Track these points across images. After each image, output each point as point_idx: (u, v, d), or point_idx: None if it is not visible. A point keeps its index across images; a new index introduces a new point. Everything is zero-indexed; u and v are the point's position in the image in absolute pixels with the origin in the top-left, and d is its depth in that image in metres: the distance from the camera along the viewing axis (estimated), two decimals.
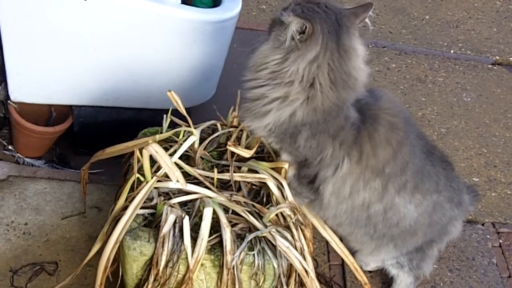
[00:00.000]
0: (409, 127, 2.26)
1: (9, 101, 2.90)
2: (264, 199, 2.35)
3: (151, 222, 2.24)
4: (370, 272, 2.76)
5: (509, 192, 3.27)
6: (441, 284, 2.79)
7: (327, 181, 2.22)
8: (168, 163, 2.18)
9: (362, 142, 2.15)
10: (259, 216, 2.27)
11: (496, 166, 3.41)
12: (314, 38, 2.00)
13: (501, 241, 3.03)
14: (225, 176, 2.34)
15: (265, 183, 2.34)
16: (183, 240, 2.14)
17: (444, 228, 2.47)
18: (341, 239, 2.44)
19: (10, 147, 3.08)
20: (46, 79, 2.83)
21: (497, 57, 4.19)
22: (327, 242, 2.77)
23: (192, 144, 2.38)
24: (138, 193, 2.19)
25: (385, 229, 2.33)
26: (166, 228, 2.13)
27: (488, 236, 3.02)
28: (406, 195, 2.27)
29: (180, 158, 2.30)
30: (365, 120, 2.16)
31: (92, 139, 2.85)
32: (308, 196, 2.31)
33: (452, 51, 4.19)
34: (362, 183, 2.20)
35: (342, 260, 2.72)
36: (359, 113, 2.17)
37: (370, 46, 4.07)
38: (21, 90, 2.86)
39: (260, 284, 2.23)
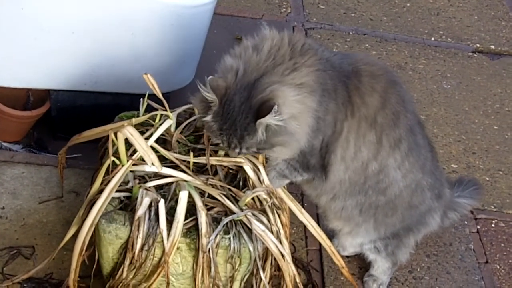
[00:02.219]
0: (390, 75, 2.27)
1: None
2: (241, 183, 2.35)
3: (127, 205, 2.24)
4: (347, 257, 2.77)
5: (487, 179, 3.29)
6: (418, 269, 2.80)
7: (336, 151, 2.22)
8: (143, 146, 2.18)
9: (352, 96, 2.16)
10: (235, 200, 2.27)
11: (475, 153, 3.43)
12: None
13: (478, 227, 3.05)
14: (202, 160, 2.34)
15: (241, 167, 2.34)
16: (158, 224, 2.14)
17: (423, 217, 2.48)
18: (318, 223, 2.45)
19: None
20: (24, 63, 2.82)
21: (478, 45, 4.20)
22: (305, 227, 2.78)
23: (169, 128, 2.38)
24: (113, 176, 2.18)
25: (374, 196, 2.34)
26: (141, 211, 2.13)
27: (465, 222, 3.04)
28: (399, 157, 2.27)
29: (156, 142, 2.29)
30: (349, 76, 2.17)
31: (70, 124, 2.84)
32: (301, 175, 2.31)
33: (432, 39, 4.20)
34: (362, 139, 2.20)
35: (320, 245, 2.74)
36: (341, 73, 2.18)
37: (350, 33, 4.08)
38: (0, 75, 2.85)
39: (236, 268, 2.24)
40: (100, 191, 2.18)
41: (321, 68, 2.11)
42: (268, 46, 2.10)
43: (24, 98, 3.01)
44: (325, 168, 2.26)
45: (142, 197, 2.15)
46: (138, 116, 2.43)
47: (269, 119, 2.00)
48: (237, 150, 2.13)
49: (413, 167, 2.33)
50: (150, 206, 2.16)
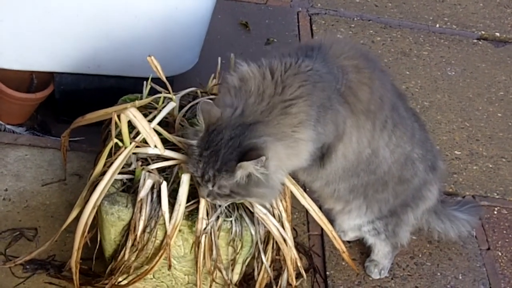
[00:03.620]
0: (370, 63, 2.28)
1: None
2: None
3: (129, 187, 2.26)
4: (349, 242, 2.79)
5: (490, 166, 3.30)
6: (420, 255, 2.82)
7: (337, 149, 2.23)
8: (146, 128, 2.19)
9: (345, 96, 2.16)
10: None
11: (478, 140, 3.44)
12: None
13: (481, 214, 3.06)
14: None
15: None
16: (160, 206, 2.16)
17: (418, 191, 2.49)
18: (320, 208, 2.46)
19: None
20: (28, 46, 2.83)
21: (483, 32, 4.19)
22: (306, 212, 2.80)
23: (172, 111, 2.39)
24: (116, 158, 2.19)
25: (366, 176, 2.36)
26: (144, 193, 2.14)
27: None
28: (386, 135, 2.29)
29: (159, 124, 2.30)
30: (338, 79, 2.16)
31: (74, 107, 2.84)
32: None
33: (437, 25, 4.19)
34: (362, 130, 2.22)
35: (322, 230, 2.76)
36: (330, 80, 2.16)
37: (355, 19, 4.08)
38: (2, 56, 2.86)
39: (238, 251, 2.25)
40: (103, 173, 2.20)
41: (310, 89, 2.09)
42: (255, 86, 2.08)
43: (28, 80, 3.01)
44: (323, 159, 2.27)
45: (144, 179, 2.16)
46: (141, 99, 2.43)
47: (251, 167, 1.99)
48: (209, 185, 2.07)
49: (401, 140, 2.35)
50: (152, 188, 2.17)
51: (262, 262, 2.31)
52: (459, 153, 3.34)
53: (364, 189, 2.42)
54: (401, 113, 2.35)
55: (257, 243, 2.26)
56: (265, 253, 2.30)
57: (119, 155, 2.20)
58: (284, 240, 2.28)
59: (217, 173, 2.04)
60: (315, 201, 2.44)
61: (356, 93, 2.18)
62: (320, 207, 2.46)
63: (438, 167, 2.54)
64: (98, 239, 2.32)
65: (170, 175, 2.25)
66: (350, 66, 2.19)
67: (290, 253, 2.32)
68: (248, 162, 1.97)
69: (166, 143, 2.28)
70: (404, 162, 2.39)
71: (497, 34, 4.20)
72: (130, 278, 2.31)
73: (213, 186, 2.07)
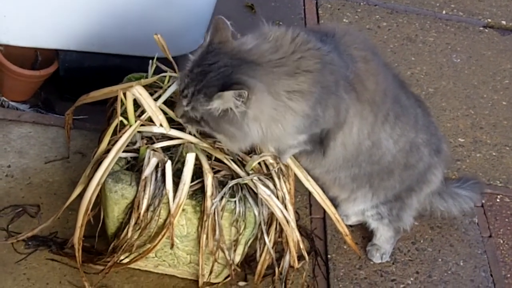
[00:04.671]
0: (376, 57, 2.30)
1: None
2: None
3: (133, 166, 2.26)
4: (351, 226, 2.79)
5: (494, 154, 3.30)
6: (422, 241, 2.83)
7: (336, 138, 2.24)
8: (152, 106, 2.19)
9: (353, 83, 2.17)
10: (242, 164, 2.29)
11: (483, 127, 3.44)
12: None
13: (483, 201, 3.06)
14: None
15: None
16: (165, 185, 2.16)
17: (423, 175, 2.50)
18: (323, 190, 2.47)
19: None
20: (33, 22, 2.83)
21: (489, 20, 4.18)
22: (309, 196, 2.81)
23: (177, 90, 2.39)
24: (121, 136, 2.20)
25: (369, 167, 2.37)
26: (148, 171, 2.15)
27: None
28: (388, 127, 2.31)
29: (164, 103, 2.30)
30: (348, 66, 2.16)
31: (78, 85, 2.84)
32: (303, 147, 2.32)
33: (444, 12, 4.19)
34: (364, 121, 2.23)
35: (324, 213, 2.76)
36: (340, 65, 2.17)
37: (361, 3, 4.07)
38: (7, 33, 2.86)
39: (241, 231, 2.26)
40: (107, 151, 2.20)
41: (320, 68, 2.09)
42: (275, 36, 2.08)
43: (33, 57, 3.01)
44: (322, 145, 2.27)
45: (149, 158, 2.17)
46: (146, 78, 2.43)
47: (231, 98, 1.96)
48: (184, 103, 2.06)
49: (404, 129, 2.37)
50: (157, 167, 2.18)
51: (265, 243, 2.33)
52: (463, 140, 3.34)
53: (368, 179, 2.44)
54: (403, 103, 2.37)
55: (260, 224, 2.27)
56: (268, 234, 2.31)
57: (124, 133, 2.20)
58: (287, 221, 2.28)
59: (196, 93, 2.03)
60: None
61: (363, 82, 2.19)
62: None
63: (442, 150, 2.56)
64: (101, 217, 2.32)
65: (174, 154, 2.26)
66: (359, 56, 2.20)
67: (293, 234, 2.33)
68: (229, 92, 1.95)
69: (171, 122, 2.27)
70: (409, 149, 2.41)
71: (504, 22, 4.19)
72: (132, 256, 2.32)
73: (187, 105, 2.06)
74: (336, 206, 2.56)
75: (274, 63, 2.03)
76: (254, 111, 2.00)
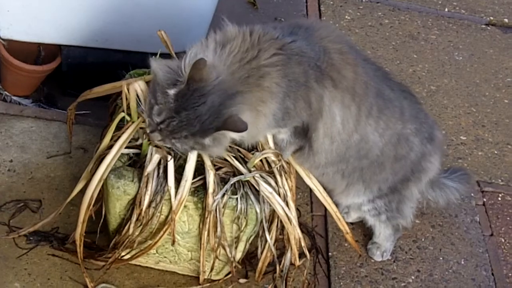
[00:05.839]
0: (353, 51, 2.30)
1: None
2: (248, 145, 2.36)
3: (135, 162, 2.26)
4: (352, 224, 2.79)
5: (495, 152, 3.30)
6: (423, 239, 2.83)
7: (317, 129, 2.23)
8: None
9: (328, 72, 2.16)
10: (244, 161, 2.28)
11: (484, 125, 3.44)
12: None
13: (485, 199, 3.07)
14: None
15: None
16: (167, 181, 2.16)
17: (417, 164, 2.49)
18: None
19: None
20: (37, 18, 2.82)
21: (491, 18, 4.18)
22: (310, 193, 2.81)
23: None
24: (123, 132, 2.20)
25: (357, 162, 2.37)
26: (150, 167, 2.15)
27: (472, 195, 3.06)
28: (372, 121, 2.30)
29: None
30: (319, 58, 2.16)
31: (80, 80, 2.84)
32: (298, 143, 2.32)
33: (446, 10, 4.18)
34: (348, 110, 2.22)
35: (325, 211, 2.76)
36: (310, 56, 2.16)
37: (364, 1, 4.07)
38: (11, 28, 2.86)
39: (242, 229, 2.26)
40: (110, 147, 2.20)
41: (285, 60, 2.09)
42: (237, 47, 2.07)
43: (35, 52, 3.01)
44: (306, 139, 2.27)
45: (151, 154, 2.17)
46: (149, 74, 2.42)
47: (225, 132, 2.00)
48: (174, 141, 2.06)
49: (389, 122, 2.36)
50: (159, 163, 2.18)
51: (266, 241, 2.32)
52: (465, 138, 3.34)
53: (360, 173, 2.43)
54: (387, 96, 2.36)
55: (261, 221, 2.27)
56: (269, 231, 2.31)
57: (127, 129, 2.21)
58: (289, 219, 2.28)
59: (191, 136, 2.03)
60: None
61: (340, 70, 2.19)
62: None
63: (435, 137, 2.53)
64: (103, 213, 2.32)
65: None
66: (333, 48, 2.20)
67: (294, 232, 2.32)
68: (224, 131, 1.99)
69: None
70: (397, 141, 2.40)
71: (506, 20, 4.19)
72: (134, 252, 2.32)
73: (177, 142, 2.06)
74: (337, 204, 2.56)
75: (244, 81, 2.04)
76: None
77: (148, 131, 2.10)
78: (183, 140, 2.05)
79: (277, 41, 2.11)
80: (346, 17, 3.91)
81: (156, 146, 2.18)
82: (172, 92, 1.99)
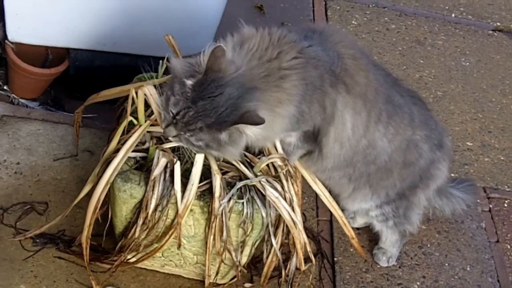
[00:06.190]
0: (364, 56, 2.30)
1: (6, 41, 2.91)
2: (256, 149, 2.36)
3: (142, 165, 2.26)
4: (358, 229, 2.79)
5: (502, 158, 3.30)
6: (428, 245, 2.83)
7: (328, 134, 2.23)
8: None
9: (342, 77, 2.16)
10: (250, 166, 2.29)
11: (491, 131, 3.44)
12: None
13: (491, 206, 3.07)
14: None
15: None
16: (173, 185, 2.17)
17: (426, 171, 2.50)
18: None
19: (5, 87, 3.09)
20: (45, 21, 2.84)
21: (498, 24, 4.18)
22: (316, 197, 2.82)
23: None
24: (130, 136, 2.20)
25: (364, 167, 2.37)
26: (157, 171, 2.15)
27: (478, 201, 3.05)
28: (382, 127, 2.30)
29: None
30: (334, 62, 2.16)
31: (88, 84, 2.86)
32: (306, 147, 2.32)
33: (453, 15, 4.19)
34: (358, 116, 2.23)
35: (331, 215, 2.76)
36: (325, 60, 2.16)
37: (370, 6, 4.07)
38: (19, 31, 2.87)
39: (248, 233, 2.26)
40: (117, 150, 2.20)
41: (303, 63, 2.09)
42: (256, 47, 2.07)
43: (43, 56, 3.02)
44: (316, 142, 2.27)
45: (158, 158, 2.17)
46: (157, 78, 2.43)
47: (242, 128, 1.98)
48: (188, 134, 2.04)
49: (399, 128, 2.36)
50: (166, 167, 2.18)
51: (272, 245, 2.33)
52: (471, 144, 3.34)
53: (367, 179, 2.43)
54: (397, 102, 2.36)
55: (267, 226, 2.27)
56: (275, 236, 2.31)
57: (134, 132, 2.21)
58: (295, 224, 2.28)
59: (206, 128, 2.00)
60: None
61: (353, 76, 2.18)
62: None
63: (445, 144, 2.54)
64: (109, 216, 2.32)
65: (183, 154, 2.25)
66: (346, 54, 2.20)
67: (300, 237, 2.33)
68: (241, 125, 1.97)
69: None
70: (406, 147, 2.40)
71: None
72: (139, 255, 2.33)
73: (191, 136, 2.04)
74: (343, 210, 2.56)
75: (264, 79, 2.04)
76: (255, 129, 2.01)
77: (163, 126, 2.08)
78: (198, 134, 2.02)
79: (296, 44, 2.11)
80: (353, 22, 3.92)
81: (163, 150, 2.19)
82: (189, 82, 1.99)
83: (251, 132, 2.01)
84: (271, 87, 2.04)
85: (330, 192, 2.46)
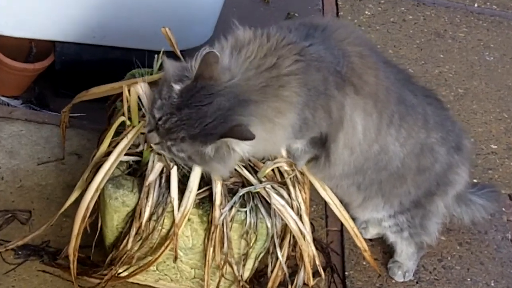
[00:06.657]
0: (374, 53, 2.30)
1: None
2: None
3: (136, 170, 2.27)
4: (371, 240, 2.79)
5: None
6: (449, 258, 2.83)
7: (337, 140, 2.23)
8: None
9: (349, 77, 2.16)
10: (254, 171, 2.29)
11: None
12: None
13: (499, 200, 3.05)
14: None
15: None
16: (169, 192, 2.17)
17: (443, 177, 2.50)
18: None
19: None
20: (29, 11, 2.84)
21: None
22: (325, 206, 2.82)
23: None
24: (123, 138, 2.20)
25: (374, 174, 2.37)
26: (152, 177, 2.16)
27: (503, 209, 3.05)
28: (394, 130, 2.30)
29: None
30: (339, 62, 2.16)
31: (75, 80, 2.87)
32: (314, 152, 2.33)
33: (476, 5, 4.19)
34: (369, 118, 2.23)
35: (341, 226, 2.76)
36: (329, 60, 2.16)
37: None
38: (0, 22, 2.87)
39: (251, 244, 2.27)
40: (108, 153, 2.21)
41: (304, 67, 2.09)
42: (253, 51, 2.06)
43: (27, 49, 3.03)
44: (324, 149, 2.28)
45: (153, 162, 2.17)
46: (152, 74, 2.42)
47: (229, 142, 1.96)
48: (170, 143, 2.02)
49: (412, 131, 2.35)
50: (161, 172, 2.18)
51: (277, 258, 2.33)
52: (496, 147, 3.34)
53: (378, 186, 2.43)
54: (410, 102, 2.36)
55: (272, 237, 2.27)
56: (280, 248, 2.31)
57: (127, 134, 2.21)
58: (302, 235, 2.28)
59: (189, 139, 1.99)
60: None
61: (361, 75, 2.18)
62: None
63: (464, 146, 2.54)
64: (99, 225, 2.33)
65: None
66: (353, 51, 2.20)
67: (308, 249, 2.33)
68: (228, 139, 1.95)
69: None
70: (419, 152, 2.40)
71: None
72: (132, 269, 2.33)
73: (173, 145, 2.03)
74: (354, 218, 2.56)
75: (261, 90, 2.03)
76: (248, 144, 2.00)
77: (146, 131, 2.08)
78: (179, 144, 2.01)
79: (295, 45, 2.10)
80: (366, 12, 3.93)
81: (159, 153, 2.19)
82: (177, 87, 1.98)
83: (240, 149, 1.99)
84: (269, 97, 2.04)
85: (340, 200, 2.46)
